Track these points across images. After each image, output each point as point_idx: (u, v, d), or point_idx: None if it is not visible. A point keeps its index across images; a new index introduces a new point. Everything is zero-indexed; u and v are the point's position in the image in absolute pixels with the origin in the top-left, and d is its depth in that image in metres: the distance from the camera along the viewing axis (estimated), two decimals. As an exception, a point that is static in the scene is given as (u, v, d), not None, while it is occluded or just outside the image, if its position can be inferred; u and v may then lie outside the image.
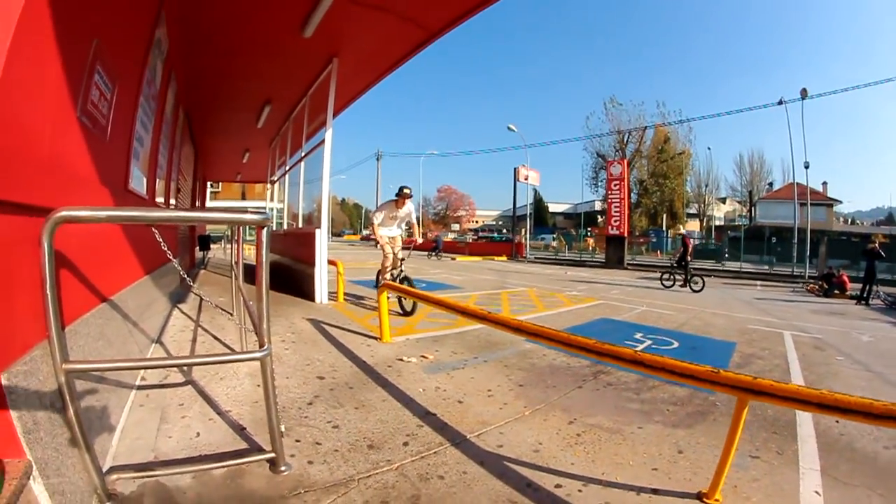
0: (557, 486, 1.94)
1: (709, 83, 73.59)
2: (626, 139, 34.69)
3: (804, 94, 18.90)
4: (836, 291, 12.63)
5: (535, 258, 18.93)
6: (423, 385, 3.09)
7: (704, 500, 1.90)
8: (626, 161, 23.22)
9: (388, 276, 5.62)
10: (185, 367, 2.95)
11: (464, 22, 5.10)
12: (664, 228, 35.38)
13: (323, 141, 6.47)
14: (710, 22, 74.90)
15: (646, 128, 33.47)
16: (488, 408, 2.75)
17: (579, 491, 1.90)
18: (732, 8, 73.37)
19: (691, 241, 12.69)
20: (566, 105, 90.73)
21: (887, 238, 30.00)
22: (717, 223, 44.36)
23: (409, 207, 5.89)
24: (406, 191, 5.73)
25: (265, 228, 1.70)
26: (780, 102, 19.98)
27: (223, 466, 1.83)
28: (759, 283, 16.68)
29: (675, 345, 4.99)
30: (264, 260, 1.73)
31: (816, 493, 2.18)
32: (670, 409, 2.91)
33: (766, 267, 22.04)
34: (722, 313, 7.66)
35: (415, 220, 6.19)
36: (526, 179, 25.91)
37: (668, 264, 13.32)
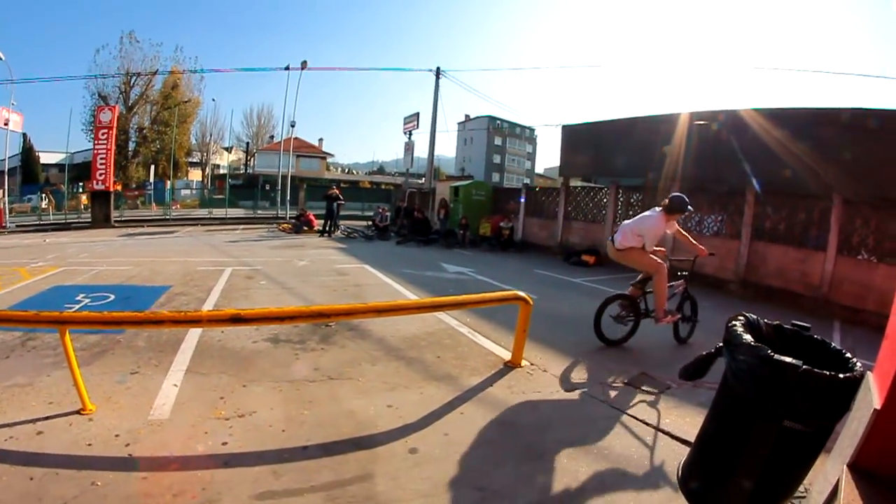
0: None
1: (237, 37, 72.86)
2: (133, 81, 29.83)
3: (304, 65, 22.87)
4: (305, 228, 15.13)
5: (17, 226, 14.05)
6: None
7: (82, 412, 2.61)
8: (116, 108, 20.21)
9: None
10: None
11: None
12: (164, 179, 32.14)
13: None
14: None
15: (156, 72, 29.87)
16: None
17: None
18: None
19: None
20: (75, 33, 60.76)
21: (372, 185, 39.95)
22: (222, 171, 45.98)
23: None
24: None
25: None
26: (287, 68, 22.81)
27: None
28: (241, 227, 18.56)
29: (111, 298, 5.37)
30: None
31: (175, 385, 2.91)
32: (80, 353, 3.41)
33: (254, 212, 24.08)
34: (180, 260, 8.55)
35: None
36: (6, 125, 17.71)
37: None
